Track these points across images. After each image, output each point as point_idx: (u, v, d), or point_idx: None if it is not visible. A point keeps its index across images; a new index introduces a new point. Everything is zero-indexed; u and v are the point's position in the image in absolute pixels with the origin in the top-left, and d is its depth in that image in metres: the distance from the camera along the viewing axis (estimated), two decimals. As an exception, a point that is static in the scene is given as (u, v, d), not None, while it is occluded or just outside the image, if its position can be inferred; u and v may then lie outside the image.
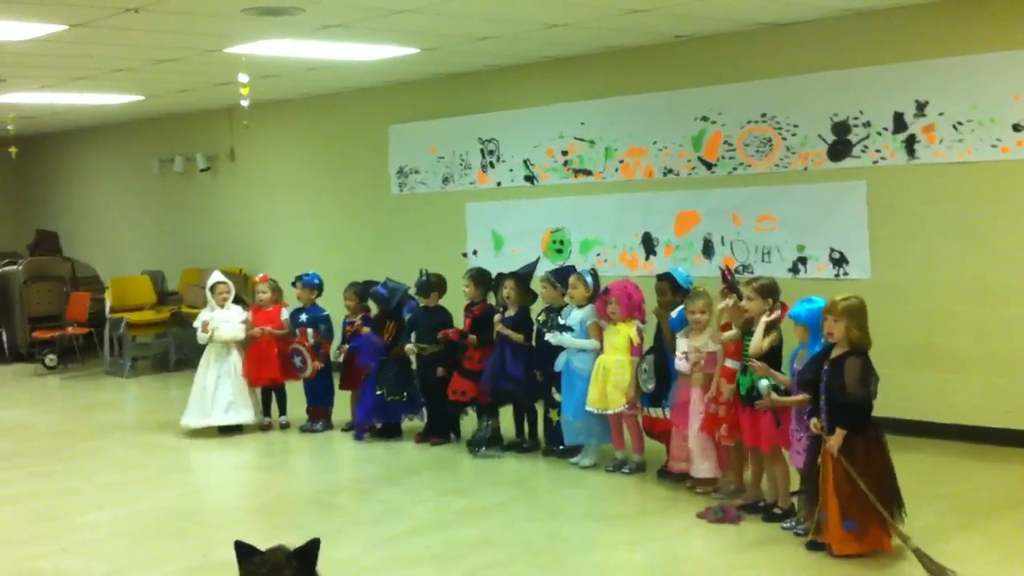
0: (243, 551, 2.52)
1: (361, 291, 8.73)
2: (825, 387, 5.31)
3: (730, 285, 6.30)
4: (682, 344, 6.56)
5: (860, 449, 5.26)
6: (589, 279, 7.37)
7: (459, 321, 8.20)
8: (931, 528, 5.58)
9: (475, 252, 10.37)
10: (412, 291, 8.40)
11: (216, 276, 9.12)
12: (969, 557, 5.26)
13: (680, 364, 6.55)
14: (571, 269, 7.71)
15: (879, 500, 5.20)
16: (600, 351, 7.14)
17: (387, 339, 8.37)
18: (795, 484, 5.89)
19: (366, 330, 8.54)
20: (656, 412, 6.84)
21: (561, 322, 7.35)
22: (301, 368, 8.84)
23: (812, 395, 5.45)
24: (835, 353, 5.33)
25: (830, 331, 5.34)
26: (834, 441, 5.23)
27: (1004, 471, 6.91)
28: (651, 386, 6.79)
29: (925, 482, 6.37)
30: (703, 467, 6.51)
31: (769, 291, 5.99)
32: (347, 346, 8.72)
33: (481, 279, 8.13)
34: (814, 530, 5.45)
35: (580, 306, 7.33)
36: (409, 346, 8.26)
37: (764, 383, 5.71)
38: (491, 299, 8.02)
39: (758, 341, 5.86)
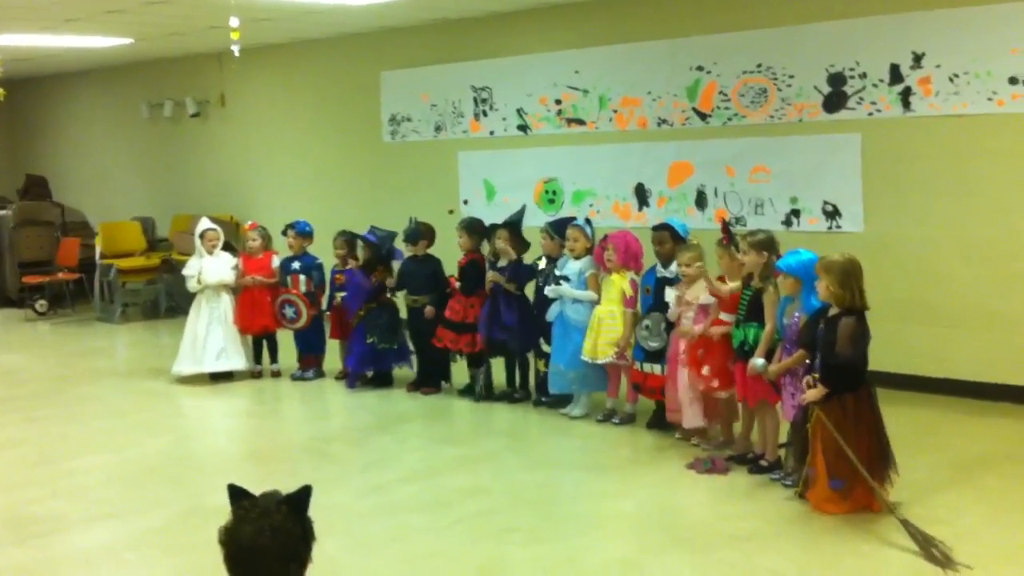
0: (236, 494, 2.54)
1: (350, 240, 8.68)
2: (819, 344, 5.31)
3: (729, 237, 6.27)
4: (670, 295, 6.57)
5: (851, 408, 5.24)
6: (589, 231, 7.36)
7: (452, 271, 8.17)
8: (922, 482, 5.62)
9: (466, 202, 10.27)
10: (400, 239, 8.37)
11: (205, 223, 9.07)
12: (958, 510, 5.30)
13: (671, 313, 6.60)
14: (570, 220, 7.65)
15: (869, 459, 5.20)
16: (598, 302, 7.15)
17: (375, 281, 8.33)
18: (784, 437, 5.92)
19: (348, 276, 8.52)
20: (650, 368, 6.83)
21: (557, 273, 7.34)
22: (294, 319, 8.83)
23: (811, 354, 5.45)
24: (831, 312, 5.32)
25: (817, 287, 5.35)
26: (811, 394, 5.23)
27: (996, 426, 6.95)
28: (654, 344, 6.78)
29: (917, 436, 6.41)
30: (690, 415, 6.51)
31: (766, 245, 5.96)
32: (341, 294, 8.66)
33: (474, 229, 8.09)
34: (802, 486, 5.47)
35: (578, 257, 7.31)
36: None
37: (759, 362, 5.72)
38: (484, 249, 7.99)
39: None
